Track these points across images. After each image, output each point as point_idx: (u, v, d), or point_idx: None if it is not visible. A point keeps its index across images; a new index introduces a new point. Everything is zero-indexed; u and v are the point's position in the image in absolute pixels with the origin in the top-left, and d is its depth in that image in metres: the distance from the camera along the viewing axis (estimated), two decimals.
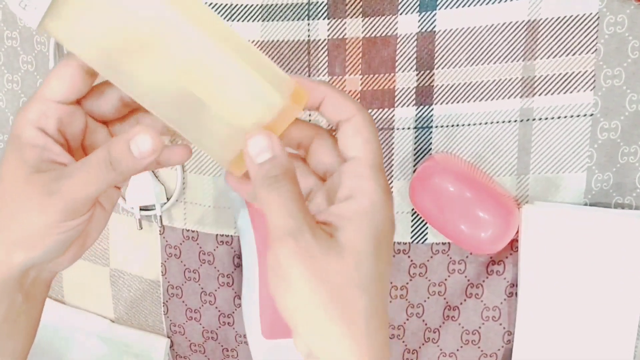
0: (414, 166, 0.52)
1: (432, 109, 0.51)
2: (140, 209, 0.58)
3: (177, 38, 0.31)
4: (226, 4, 0.53)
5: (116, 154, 0.33)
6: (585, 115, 0.48)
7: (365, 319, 0.31)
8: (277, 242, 0.31)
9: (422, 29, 0.50)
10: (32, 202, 0.33)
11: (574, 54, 0.47)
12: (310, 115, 0.52)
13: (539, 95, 0.49)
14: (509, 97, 0.49)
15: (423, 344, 0.55)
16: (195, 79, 0.32)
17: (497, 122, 0.50)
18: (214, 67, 0.31)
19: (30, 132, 0.34)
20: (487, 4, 0.48)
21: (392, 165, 0.52)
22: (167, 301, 0.60)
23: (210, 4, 0.53)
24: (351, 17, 0.51)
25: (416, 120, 0.51)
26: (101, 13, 0.30)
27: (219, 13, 0.53)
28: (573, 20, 0.47)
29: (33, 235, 0.34)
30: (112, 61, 0.32)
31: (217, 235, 0.57)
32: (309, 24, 0.52)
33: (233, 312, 0.59)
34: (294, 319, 0.32)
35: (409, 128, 0.52)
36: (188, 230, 0.58)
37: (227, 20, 0.53)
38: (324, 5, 0.51)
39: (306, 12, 0.52)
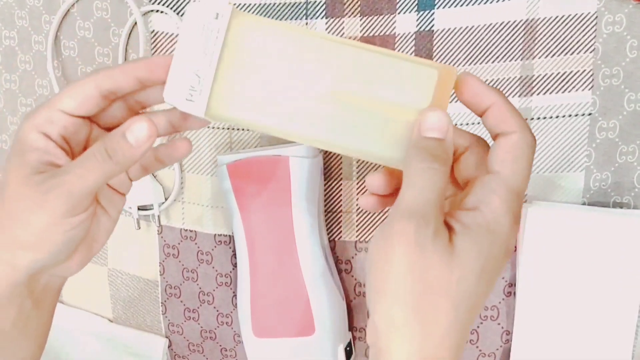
0: None
1: None
2: (139, 209, 0.58)
3: (328, 56, 0.34)
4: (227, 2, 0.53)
5: (112, 144, 0.34)
6: (583, 114, 0.48)
7: (441, 335, 0.31)
8: (398, 218, 0.31)
9: (420, 28, 0.50)
10: (32, 201, 0.34)
11: (572, 53, 0.48)
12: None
13: (537, 94, 0.49)
14: (507, 96, 0.49)
15: None
16: (349, 88, 0.34)
17: None
18: (364, 69, 0.34)
19: (34, 136, 0.35)
20: (485, 3, 0.48)
21: None
22: (165, 301, 0.61)
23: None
24: (349, 17, 0.51)
25: None
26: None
27: None
28: (571, 19, 0.47)
29: (36, 235, 0.34)
30: (270, 107, 0.34)
31: (215, 235, 0.57)
32: (307, 23, 0.52)
33: (231, 312, 0.59)
34: (369, 291, 0.32)
35: None
36: (186, 230, 0.58)
37: None
38: (322, 5, 0.51)
39: (304, 12, 0.52)
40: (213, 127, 0.55)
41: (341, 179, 0.54)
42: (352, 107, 0.34)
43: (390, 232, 0.31)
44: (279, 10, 0.52)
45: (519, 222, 0.33)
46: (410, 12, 0.50)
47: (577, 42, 0.47)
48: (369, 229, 0.54)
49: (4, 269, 0.36)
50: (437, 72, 0.33)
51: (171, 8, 0.54)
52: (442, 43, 0.50)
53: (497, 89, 0.35)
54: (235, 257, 0.57)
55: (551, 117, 0.49)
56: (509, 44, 0.49)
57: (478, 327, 0.53)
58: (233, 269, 0.58)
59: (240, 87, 0.34)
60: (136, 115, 0.37)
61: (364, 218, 0.54)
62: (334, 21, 0.51)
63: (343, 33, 0.51)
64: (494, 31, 0.49)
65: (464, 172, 0.35)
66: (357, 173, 0.53)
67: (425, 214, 0.31)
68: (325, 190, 0.55)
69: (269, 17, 0.52)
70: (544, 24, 0.48)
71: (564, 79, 0.48)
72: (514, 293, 0.52)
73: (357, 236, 0.54)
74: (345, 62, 0.34)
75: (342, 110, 0.34)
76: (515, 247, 0.51)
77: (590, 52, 0.47)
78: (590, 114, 0.48)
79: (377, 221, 0.54)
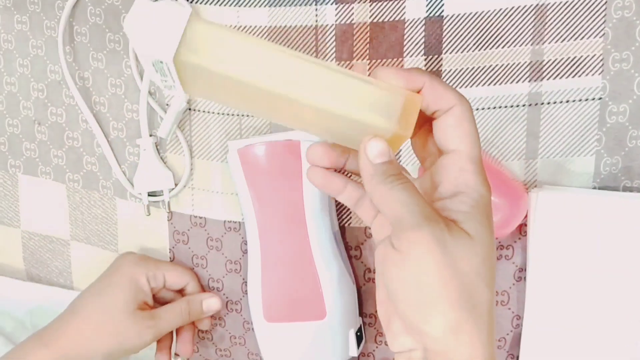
0: None
1: None
2: (149, 195, 0.59)
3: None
4: None
5: (194, 307, 0.58)
6: (593, 99, 0.49)
7: (488, 313, 0.32)
8: (409, 230, 0.31)
9: (430, 13, 0.51)
10: (134, 331, 0.54)
11: (582, 38, 0.48)
12: None
13: (547, 79, 0.50)
14: (517, 82, 0.50)
15: None
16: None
17: (506, 107, 0.51)
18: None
19: (144, 281, 0.56)
20: None
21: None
22: None
23: None
24: (359, 2, 0.52)
25: None
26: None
27: None
28: (581, 4, 0.48)
29: (123, 353, 0.54)
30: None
31: (224, 221, 0.58)
32: (316, 9, 0.53)
33: (240, 299, 0.60)
34: (412, 313, 0.32)
35: None
36: (196, 217, 0.59)
37: (234, 7, 0.54)
38: None
39: None
40: (223, 113, 0.56)
41: None
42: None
43: (406, 248, 0.32)
44: None
45: (489, 187, 0.34)
46: None
47: (587, 27, 0.48)
48: None
49: (56, 356, 0.52)
50: (389, 127, 0.33)
51: None
52: (451, 29, 0.51)
53: (418, 68, 0.36)
54: (245, 244, 0.58)
55: (561, 102, 0.50)
56: (519, 29, 0.50)
57: None
58: (243, 255, 0.59)
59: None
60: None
61: None
62: (343, 7, 0.52)
63: (352, 19, 0.52)
64: (504, 16, 0.50)
65: (440, 134, 0.34)
66: None
67: (428, 216, 0.32)
68: None
69: (278, 4, 0.53)
70: (554, 9, 0.49)
71: (574, 64, 0.49)
72: (525, 278, 0.53)
73: None
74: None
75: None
76: (526, 232, 0.52)
77: (600, 37, 0.48)
78: (600, 99, 0.49)
79: None
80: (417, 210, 0.32)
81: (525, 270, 0.52)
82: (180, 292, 0.60)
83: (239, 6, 0.54)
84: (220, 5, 0.54)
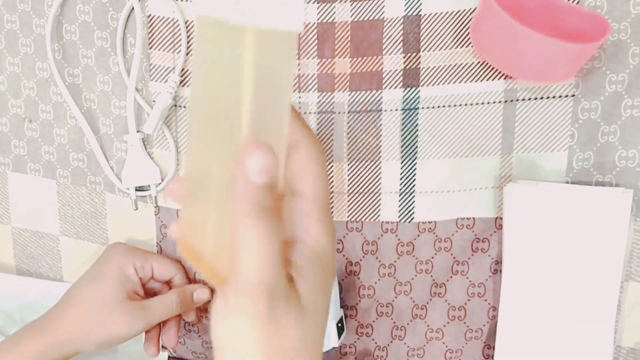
0: (402, 147, 0.56)
1: (419, 91, 0.54)
2: (136, 190, 0.61)
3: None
4: None
5: (184, 299, 0.59)
6: (567, 95, 0.51)
7: None
8: (248, 294, 0.29)
9: (408, 12, 0.53)
10: (123, 321, 0.55)
11: None
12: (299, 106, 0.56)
13: None
14: (493, 79, 0.53)
15: (411, 321, 0.59)
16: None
17: (482, 103, 0.53)
18: None
19: (132, 271, 0.58)
20: None
21: (381, 146, 0.56)
22: None
23: None
24: (340, 2, 0.54)
25: (403, 102, 0.55)
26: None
27: None
28: None
29: (113, 341, 0.56)
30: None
31: None
32: None
33: None
34: None
35: (396, 110, 0.55)
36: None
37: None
38: None
39: None
40: None
41: (332, 160, 0.57)
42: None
43: (237, 311, 0.30)
44: None
45: (334, 236, 0.32)
46: None
47: None
48: (360, 210, 0.57)
49: (51, 344, 0.54)
50: None
51: None
52: (429, 27, 0.53)
53: None
54: None
55: (535, 99, 0.52)
56: None
57: (465, 304, 0.57)
58: None
59: None
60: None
61: (355, 199, 0.57)
62: (325, 6, 0.55)
63: (334, 18, 0.55)
64: None
65: (290, 173, 0.32)
66: (348, 155, 0.56)
67: (272, 285, 0.29)
68: None
69: None
70: None
71: None
72: (500, 270, 0.55)
73: (348, 216, 0.58)
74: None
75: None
76: (502, 225, 0.54)
77: None
78: (573, 96, 0.51)
79: (367, 202, 0.57)
80: (267, 271, 0.29)
81: (501, 262, 0.55)
82: (168, 283, 0.62)
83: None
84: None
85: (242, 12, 0.30)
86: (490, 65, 0.52)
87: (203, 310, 0.64)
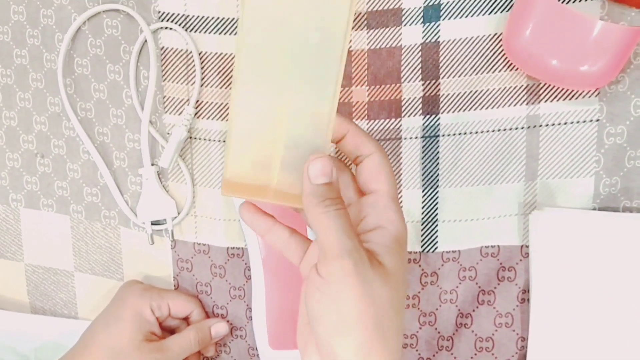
0: (422, 175, 0.56)
1: (439, 118, 0.55)
2: (152, 224, 0.62)
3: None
4: (235, 18, 0.57)
5: (203, 335, 0.60)
6: (591, 120, 0.52)
7: (396, 338, 0.38)
8: (334, 259, 0.36)
9: (426, 39, 0.54)
10: None
11: None
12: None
13: (545, 101, 0.52)
14: (515, 105, 0.53)
15: (437, 353, 0.58)
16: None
17: (504, 130, 0.54)
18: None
19: (148, 311, 0.59)
20: (489, 13, 0.52)
21: (401, 174, 0.56)
22: None
23: (219, 18, 0.57)
24: (356, 30, 0.55)
25: (423, 130, 0.55)
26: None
27: (227, 27, 0.57)
28: None
29: None
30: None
31: (227, 248, 0.61)
32: None
33: (245, 325, 0.62)
34: (328, 336, 0.37)
35: (416, 137, 0.55)
36: (199, 244, 0.62)
37: (235, 35, 0.57)
38: None
39: None
40: (223, 141, 0.59)
41: None
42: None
43: (330, 276, 0.37)
44: None
45: (405, 221, 0.41)
46: (416, 24, 0.53)
47: None
48: None
49: None
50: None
51: (179, 25, 0.58)
52: (448, 54, 0.53)
53: (346, 117, 0.42)
54: (249, 270, 0.61)
55: (559, 124, 0.52)
56: None
57: (493, 334, 0.57)
58: (246, 282, 0.61)
59: None
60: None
61: None
62: None
63: (350, 46, 0.55)
64: (499, 41, 0.52)
65: (364, 176, 0.41)
66: None
67: (352, 249, 0.37)
68: None
69: None
70: None
71: None
72: (528, 299, 0.55)
73: None
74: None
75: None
76: (528, 254, 0.54)
77: None
78: (598, 120, 0.52)
79: None
80: (344, 240, 0.37)
81: (528, 292, 0.55)
82: (186, 319, 0.62)
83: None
84: (221, 34, 0.57)
85: None
86: (511, 91, 0.53)
87: (222, 344, 0.64)
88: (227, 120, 0.58)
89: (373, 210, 0.40)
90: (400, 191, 0.57)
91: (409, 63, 0.54)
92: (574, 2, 0.51)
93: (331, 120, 0.40)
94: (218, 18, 0.57)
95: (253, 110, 0.40)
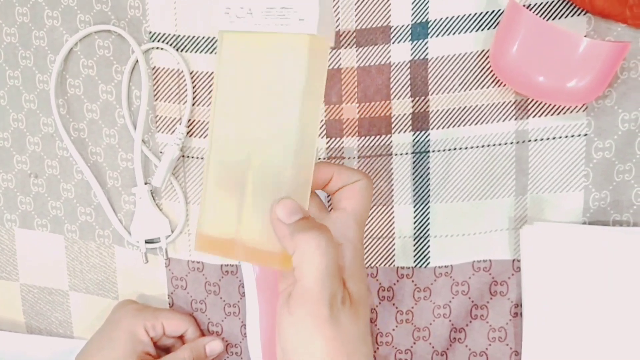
0: (414, 191, 0.56)
1: (429, 134, 0.55)
2: (146, 242, 0.62)
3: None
4: None
5: (196, 354, 0.60)
6: (579, 135, 0.52)
7: None
8: (311, 303, 0.38)
9: (414, 56, 0.54)
10: None
11: None
12: None
13: (533, 117, 0.53)
14: (503, 120, 0.53)
15: None
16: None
17: (494, 145, 0.54)
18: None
19: (142, 331, 0.59)
20: (476, 31, 0.52)
21: (392, 190, 0.57)
22: None
23: (209, 38, 0.58)
24: (345, 48, 0.55)
25: (414, 146, 0.56)
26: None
27: (215, 46, 0.58)
28: None
29: None
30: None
31: (221, 265, 0.62)
32: None
33: (240, 342, 0.63)
34: None
35: (407, 153, 0.56)
36: (193, 262, 0.62)
37: None
38: None
39: None
40: None
41: None
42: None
43: (303, 321, 0.38)
44: None
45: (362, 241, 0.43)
46: (404, 41, 0.54)
47: None
48: (374, 255, 0.58)
49: None
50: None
51: (170, 45, 0.58)
52: (436, 70, 0.54)
53: (325, 162, 0.44)
54: (243, 287, 0.61)
55: (548, 139, 0.53)
56: None
57: (487, 349, 0.57)
58: (241, 298, 0.62)
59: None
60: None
61: (368, 244, 0.58)
62: (330, 51, 0.56)
63: (340, 64, 0.56)
64: (486, 57, 0.53)
65: (339, 195, 0.44)
66: None
67: (333, 291, 0.38)
68: None
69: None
70: None
71: None
72: (521, 313, 0.55)
73: None
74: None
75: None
76: (519, 268, 0.55)
77: None
78: (586, 135, 0.52)
79: (380, 247, 0.58)
80: (326, 283, 0.38)
81: (520, 306, 0.55)
82: (181, 338, 0.62)
83: None
84: (212, 53, 0.58)
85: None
86: (500, 107, 0.53)
87: None
88: None
89: (333, 226, 0.41)
90: (392, 207, 0.57)
91: (398, 80, 0.55)
92: (560, 18, 0.51)
93: (299, 178, 0.40)
94: (208, 38, 0.58)
95: (225, 164, 0.41)
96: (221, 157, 0.41)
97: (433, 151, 0.55)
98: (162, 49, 0.59)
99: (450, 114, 0.55)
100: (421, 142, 0.56)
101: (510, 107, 0.53)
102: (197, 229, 0.42)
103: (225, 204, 0.41)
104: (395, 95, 0.55)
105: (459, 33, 0.53)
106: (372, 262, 0.58)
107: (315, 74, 0.39)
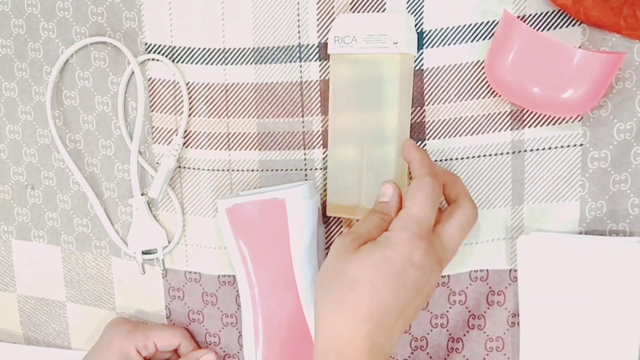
0: None
1: (425, 144, 0.56)
2: (143, 253, 0.63)
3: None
4: (220, 49, 0.58)
5: None
6: (575, 145, 0.53)
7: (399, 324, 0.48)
8: (410, 221, 0.47)
9: None
10: None
11: None
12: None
13: (529, 127, 0.53)
14: (499, 130, 0.54)
15: None
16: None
17: (490, 155, 0.55)
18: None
19: (134, 353, 0.60)
20: (471, 41, 0.53)
21: None
22: None
23: (205, 49, 0.58)
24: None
25: None
26: None
27: (213, 57, 0.58)
28: None
29: None
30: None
31: (219, 275, 0.62)
32: (300, 66, 0.57)
33: (237, 352, 0.63)
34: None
35: None
36: (190, 272, 0.63)
37: (221, 65, 0.58)
38: (315, 48, 0.56)
39: (298, 55, 0.57)
40: (212, 170, 0.60)
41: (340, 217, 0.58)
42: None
43: (403, 233, 0.47)
44: (273, 53, 0.57)
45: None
46: None
47: None
48: None
49: None
50: None
51: (166, 56, 0.59)
52: (432, 81, 0.55)
53: (419, 148, 0.52)
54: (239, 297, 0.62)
55: (544, 149, 0.53)
56: None
57: (484, 358, 0.57)
58: (238, 309, 0.62)
59: None
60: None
61: None
62: (326, 63, 0.56)
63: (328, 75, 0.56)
64: (482, 67, 0.53)
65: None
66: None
67: (430, 217, 0.48)
68: (326, 228, 0.59)
69: (263, 61, 0.57)
70: None
71: None
72: (518, 323, 0.56)
73: None
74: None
75: None
76: (516, 278, 0.55)
77: None
78: (582, 145, 0.53)
79: None
80: (424, 205, 0.48)
81: (518, 315, 0.56)
82: (175, 350, 0.63)
83: (226, 64, 0.58)
84: (207, 64, 0.59)
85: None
86: (495, 117, 0.54)
87: None
88: (215, 149, 0.60)
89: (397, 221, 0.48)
90: None
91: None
92: (555, 28, 0.52)
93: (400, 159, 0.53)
94: (204, 49, 0.58)
95: (344, 153, 0.56)
96: (339, 148, 0.56)
97: None
98: (157, 60, 0.59)
99: (446, 124, 0.55)
100: None
101: (506, 117, 0.54)
102: (327, 200, 0.57)
103: (346, 180, 0.56)
104: None
105: (455, 44, 0.54)
106: None
107: (405, 80, 0.54)
